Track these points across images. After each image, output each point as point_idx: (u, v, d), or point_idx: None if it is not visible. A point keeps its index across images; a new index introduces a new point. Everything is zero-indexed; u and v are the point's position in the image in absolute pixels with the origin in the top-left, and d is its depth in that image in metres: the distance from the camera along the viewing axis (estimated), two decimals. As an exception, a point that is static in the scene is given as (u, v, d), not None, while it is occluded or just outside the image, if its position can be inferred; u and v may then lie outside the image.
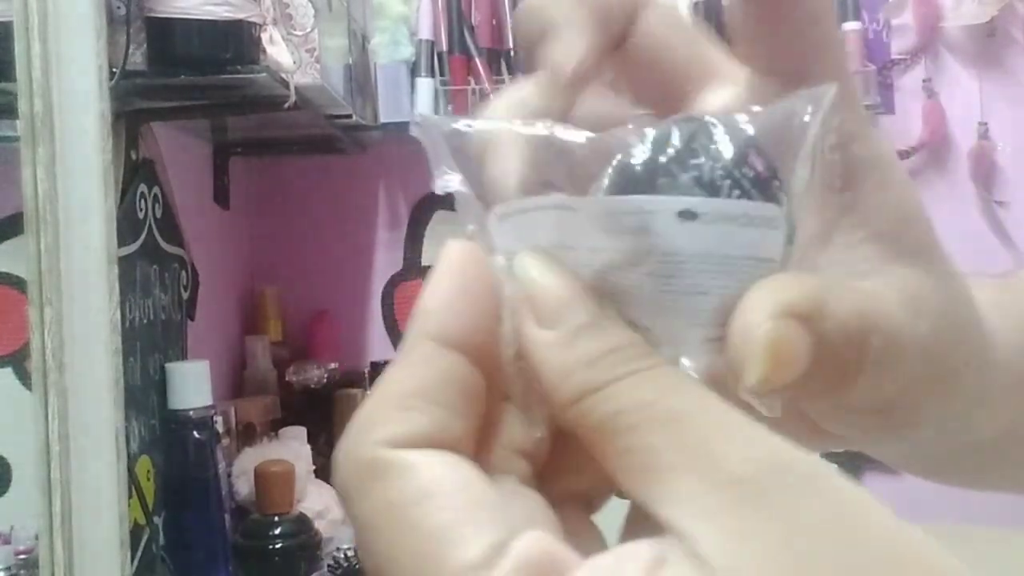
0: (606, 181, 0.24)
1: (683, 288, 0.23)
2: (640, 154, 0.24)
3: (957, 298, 0.30)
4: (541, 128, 0.25)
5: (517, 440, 0.25)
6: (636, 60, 0.29)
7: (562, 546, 0.21)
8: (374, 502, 0.22)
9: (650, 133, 0.24)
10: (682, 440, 0.21)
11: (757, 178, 0.23)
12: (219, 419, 1.26)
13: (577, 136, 0.25)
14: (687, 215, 0.23)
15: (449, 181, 0.25)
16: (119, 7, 0.95)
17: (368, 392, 1.55)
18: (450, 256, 0.25)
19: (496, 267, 0.25)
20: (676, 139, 0.23)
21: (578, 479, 0.25)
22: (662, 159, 0.23)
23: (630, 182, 0.23)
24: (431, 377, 0.24)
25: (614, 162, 0.24)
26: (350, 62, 1.43)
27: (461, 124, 0.26)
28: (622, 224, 0.23)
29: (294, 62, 1.06)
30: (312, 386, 1.68)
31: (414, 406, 0.23)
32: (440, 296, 0.25)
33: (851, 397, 0.26)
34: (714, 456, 0.21)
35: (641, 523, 0.22)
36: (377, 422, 0.23)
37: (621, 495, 0.23)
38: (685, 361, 0.24)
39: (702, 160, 0.23)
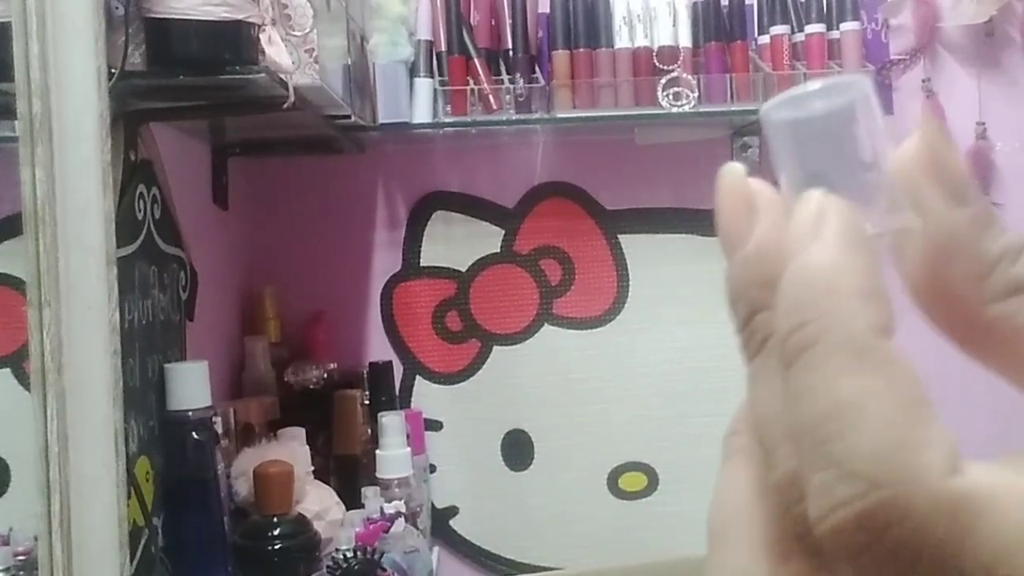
0: None
1: None
2: None
3: None
4: None
5: None
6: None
7: None
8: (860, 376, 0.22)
9: None
10: None
11: None
12: (218, 420, 1.26)
13: None
14: None
15: None
16: (117, 8, 0.95)
17: (365, 392, 1.54)
18: None
19: None
20: None
21: None
22: None
23: None
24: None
25: None
26: (349, 62, 1.43)
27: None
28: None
29: (293, 62, 1.06)
30: (311, 387, 1.68)
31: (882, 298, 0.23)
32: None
33: None
34: None
35: None
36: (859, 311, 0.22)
37: None
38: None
39: None
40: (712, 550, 0.26)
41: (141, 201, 1.18)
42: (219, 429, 1.27)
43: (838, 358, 0.22)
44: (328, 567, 1.22)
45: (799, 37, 1.80)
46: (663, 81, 1.71)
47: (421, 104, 1.71)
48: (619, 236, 1.92)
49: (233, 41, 0.99)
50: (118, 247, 0.93)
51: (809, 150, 0.25)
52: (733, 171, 0.26)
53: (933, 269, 0.25)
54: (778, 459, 0.23)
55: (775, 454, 0.23)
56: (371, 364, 1.79)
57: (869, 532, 0.20)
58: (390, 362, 1.82)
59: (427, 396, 1.89)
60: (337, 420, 1.65)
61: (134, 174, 1.14)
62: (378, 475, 1.48)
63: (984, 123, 1.93)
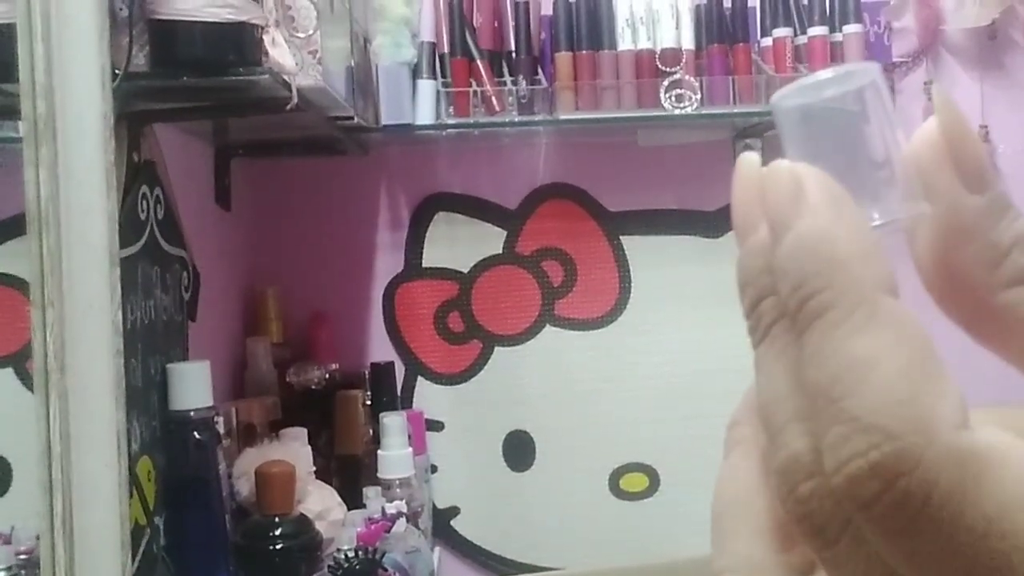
0: None
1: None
2: None
3: None
4: None
5: None
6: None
7: None
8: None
9: None
10: None
11: None
12: (220, 420, 1.26)
13: None
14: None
15: None
16: (122, 9, 0.95)
17: (367, 392, 1.54)
18: None
19: None
20: None
21: None
22: None
23: None
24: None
25: None
26: (352, 64, 1.44)
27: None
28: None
29: (296, 64, 1.06)
30: (313, 387, 1.68)
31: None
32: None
33: None
34: None
35: None
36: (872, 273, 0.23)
37: None
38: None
39: None
40: (716, 538, 0.26)
41: (144, 202, 1.18)
42: (221, 429, 1.27)
43: (851, 320, 0.22)
44: (329, 567, 1.22)
45: (802, 40, 1.80)
46: (666, 83, 1.72)
47: (424, 106, 1.71)
48: (621, 237, 1.92)
49: (237, 42, 0.99)
50: (121, 247, 0.93)
51: (819, 137, 0.25)
52: (748, 161, 0.26)
53: (945, 255, 0.26)
54: (782, 441, 0.23)
55: (779, 437, 0.23)
56: (373, 365, 1.79)
57: (882, 481, 0.21)
58: (392, 363, 1.82)
59: (429, 397, 1.89)
60: (339, 420, 1.65)
61: (137, 175, 1.14)
62: (379, 475, 1.48)
63: (986, 126, 1.93)
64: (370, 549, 1.24)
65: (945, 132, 0.25)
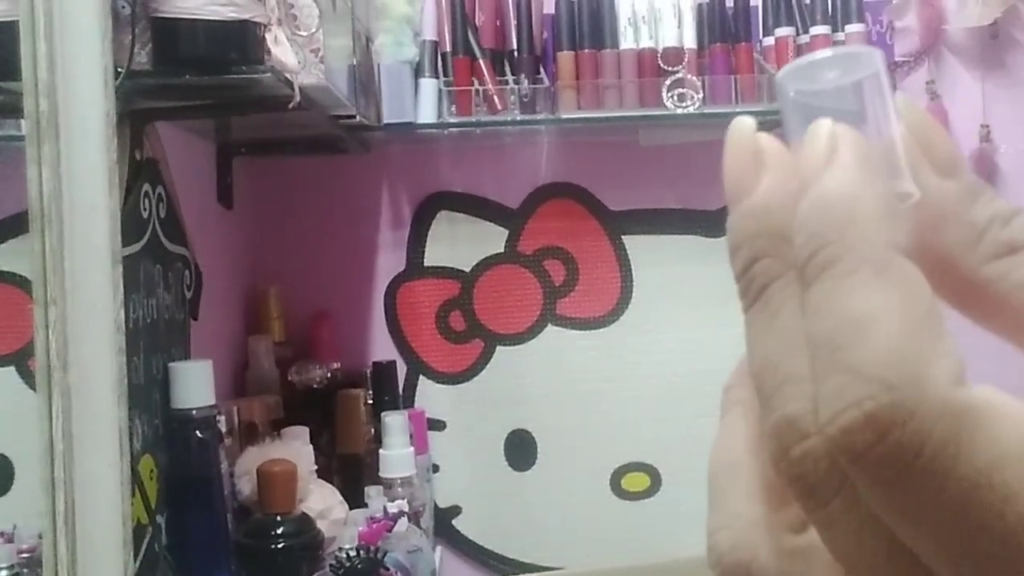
0: None
1: None
2: None
3: None
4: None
5: None
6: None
7: None
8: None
9: None
10: None
11: None
12: (222, 419, 1.26)
13: None
14: None
15: None
16: (124, 7, 0.95)
17: (369, 391, 1.54)
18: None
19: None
20: None
21: None
22: None
23: None
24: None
25: None
26: (354, 62, 1.43)
27: None
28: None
29: (299, 62, 1.06)
30: (314, 386, 1.68)
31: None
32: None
33: None
34: None
35: None
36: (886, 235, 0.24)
37: None
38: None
39: None
40: (710, 500, 0.27)
41: (147, 200, 1.18)
42: (223, 428, 1.27)
43: (858, 274, 0.23)
44: (331, 566, 1.22)
45: (804, 39, 1.80)
46: (668, 82, 1.71)
47: (426, 104, 1.71)
48: (623, 237, 1.92)
49: (239, 41, 0.99)
50: (123, 246, 0.93)
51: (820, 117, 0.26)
52: (742, 124, 0.26)
53: (929, 240, 0.26)
54: (776, 403, 0.24)
55: (772, 399, 0.24)
56: (375, 364, 1.79)
57: (875, 432, 0.21)
58: (393, 362, 1.82)
59: (430, 396, 1.89)
60: (340, 419, 1.65)
61: (140, 173, 1.14)
62: (381, 474, 1.48)
63: (988, 125, 1.93)
64: (372, 548, 1.24)
65: (913, 128, 0.26)
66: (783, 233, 0.24)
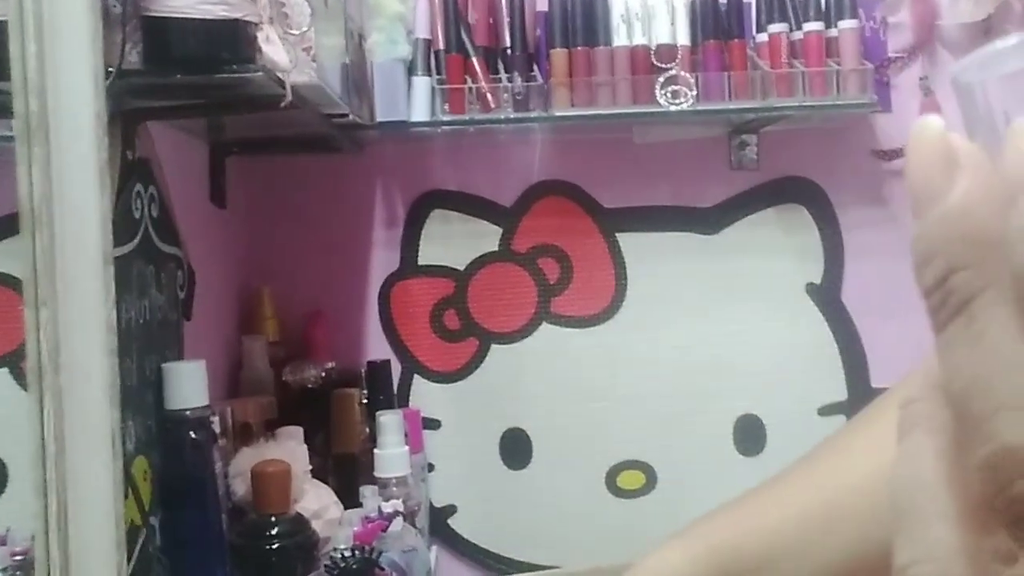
0: None
1: None
2: None
3: None
4: None
5: None
6: None
7: None
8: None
9: None
10: None
11: None
12: (216, 419, 1.26)
13: None
14: None
15: None
16: (115, 6, 0.95)
17: (363, 390, 1.53)
18: None
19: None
20: None
21: None
22: None
23: None
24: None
25: None
26: (347, 61, 1.43)
27: None
28: None
29: (290, 61, 1.05)
30: (309, 386, 1.68)
31: None
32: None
33: None
34: None
35: None
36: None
37: None
38: None
39: None
40: (902, 526, 0.24)
41: (138, 200, 1.17)
42: (217, 428, 1.26)
43: None
44: (326, 566, 1.22)
45: (797, 35, 1.80)
46: (661, 79, 1.71)
47: (419, 102, 1.71)
48: (617, 234, 1.92)
49: (231, 40, 0.98)
50: (115, 246, 0.93)
51: (1005, 107, 0.24)
52: (929, 124, 0.24)
53: None
54: (991, 431, 0.21)
55: (986, 425, 0.21)
56: (369, 363, 1.79)
57: None
58: (388, 361, 1.82)
59: (425, 395, 1.88)
60: (335, 419, 1.65)
61: (131, 173, 1.13)
62: (376, 474, 1.48)
63: (982, 121, 1.93)
64: (367, 548, 1.24)
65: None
66: (985, 239, 0.22)
